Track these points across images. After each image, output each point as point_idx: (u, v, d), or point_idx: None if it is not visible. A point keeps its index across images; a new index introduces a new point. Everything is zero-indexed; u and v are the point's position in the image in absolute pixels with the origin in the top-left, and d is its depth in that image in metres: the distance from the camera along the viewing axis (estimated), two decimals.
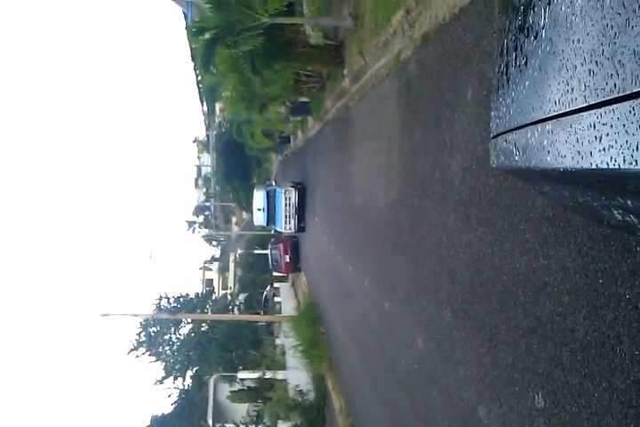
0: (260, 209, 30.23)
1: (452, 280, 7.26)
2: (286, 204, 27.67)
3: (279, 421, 23.92)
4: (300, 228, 28.18)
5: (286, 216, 27.88)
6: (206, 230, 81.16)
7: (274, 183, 30.87)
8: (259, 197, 30.47)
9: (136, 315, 29.65)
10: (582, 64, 1.43)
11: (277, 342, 30.81)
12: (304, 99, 25.55)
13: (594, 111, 1.39)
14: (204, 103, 65.00)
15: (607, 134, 1.33)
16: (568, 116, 1.51)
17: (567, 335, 4.58)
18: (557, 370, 4.69)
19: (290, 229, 28.31)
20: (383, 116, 12.22)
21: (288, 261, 32.15)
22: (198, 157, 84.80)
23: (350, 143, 16.12)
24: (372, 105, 13.89)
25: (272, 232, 39.72)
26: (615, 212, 1.53)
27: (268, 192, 29.85)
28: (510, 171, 2.13)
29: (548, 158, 1.61)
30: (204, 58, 16.89)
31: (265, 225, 31.65)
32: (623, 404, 3.91)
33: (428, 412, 8.47)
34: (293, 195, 27.61)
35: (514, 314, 5.49)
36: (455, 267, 7.19)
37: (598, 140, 1.37)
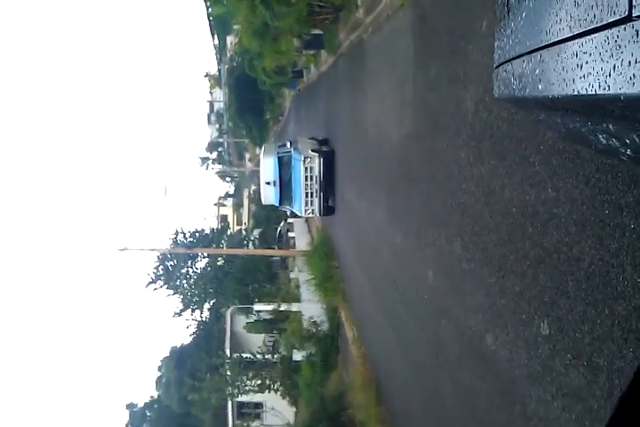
0: (269, 183, 22.74)
1: (463, 213, 7.36)
2: (307, 176, 20.65)
3: (294, 350, 24.67)
4: (328, 209, 21.29)
5: (307, 194, 20.89)
6: (220, 167, 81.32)
7: (288, 144, 22.29)
8: (268, 165, 22.92)
9: (153, 249, 30.22)
10: None
11: (292, 275, 31.33)
12: (317, 31, 24.98)
13: (577, 40, 1.46)
14: (215, 37, 63.92)
15: (586, 62, 1.42)
16: (556, 46, 1.57)
17: (573, 265, 4.70)
18: (562, 298, 4.83)
19: (313, 212, 21.37)
20: (397, 49, 12.04)
21: None
22: (210, 93, 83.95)
23: (364, 77, 15.93)
24: (386, 37, 13.65)
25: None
26: (600, 136, 1.60)
27: (280, 158, 22.42)
28: (510, 100, 2.19)
29: (540, 86, 1.68)
30: None
31: (277, 205, 24.23)
32: (624, 329, 4.06)
33: (438, 339, 8.75)
34: (317, 163, 20.56)
35: (522, 245, 5.61)
36: (466, 200, 7.28)
37: (579, 67, 1.45)
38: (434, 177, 8.78)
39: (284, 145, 22.83)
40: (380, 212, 13.03)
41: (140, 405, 55.64)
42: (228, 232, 41.40)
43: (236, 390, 26.65)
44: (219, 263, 35.94)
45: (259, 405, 30.68)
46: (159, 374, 51.46)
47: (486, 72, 6.69)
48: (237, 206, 68.52)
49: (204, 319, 39.63)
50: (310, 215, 22.18)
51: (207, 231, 37.26)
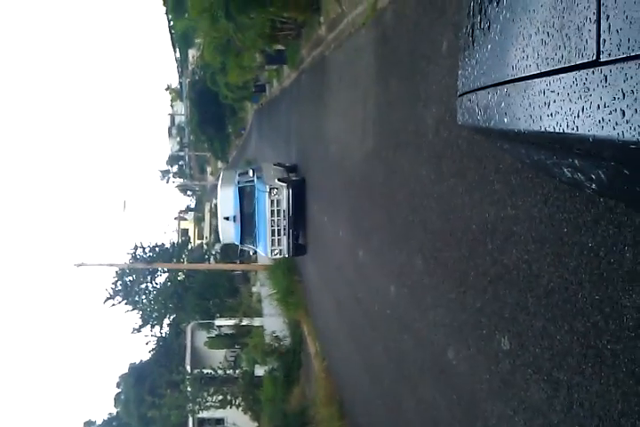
0: (228, 218, 19.96)
1: (424, 229, 7.47)
2: (274, 211, 18.06)
3: (256, 365, 24.53)
4: (299, 248, 18.81)
5: (274, 232, 18.25)
6: (181, 180, 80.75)
7: (251, 172, 19.56)
8: (226, 197, 20.23)
9: (111, 264, 29.78)
10: (536, 33, 1.55)
11: (254, 289, 31.23)
12: (280, 47, 25.17)
13: (544, 79, 1.52)
14: (177, 50, 63.67)
15: (554, 101, 1.47)
16: (523, 82, 1.64)
17: (532, 281, 4.80)
18: (522, 314, 4.94)
19: (280, 253, 18.70)
20: (359, 67, 12.19)
21: None
22: (171, 106, 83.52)
23: (326, 93, 16.07)
24: (348, 55, 13.81)
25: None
26: (565, 170, 1.67)
27: (241, 189, 19.62)
28: (474, 129, 2.26)
29: (505, 120, 1.75)
30: (174, 1, 16.52)
31: (238, 244, 21.08)
32: (582, 345, 4.16)
33: (400, 354, 8.82)
34: (285, 195, 17.97)
35: (482, 261, 5.72)
36: (427, 217, 7.39)
37: (547, 105, 1.51)
38: (395, 194, 8.89)
39: (246, 173, 20.19)
40: (341, 228, 13.11)
41: (99, 422, 54.50)
42: (189, 246, 41.10)
43: (197, 407, 26.40)
44: (179, 278, 35.65)
45: (220, 421, 30.40)
46: (118, 390, 50.51)
47: (446, 92, 6.84)
48: (199, 220, 68.07)
49: (163, 335, 39.18)
50: (277, 257, 19.10)
51: (167, 246, 36.97)
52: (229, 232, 20.66)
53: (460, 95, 2.33)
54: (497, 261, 5.40)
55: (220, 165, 64.93)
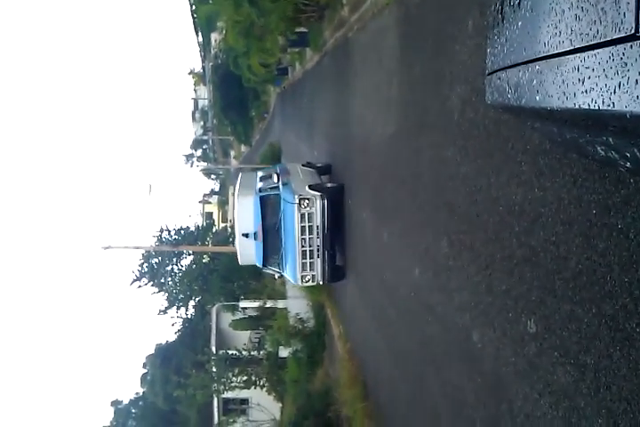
0: (247, 235, 16.43)
1: (450, 211, 7.41)
2: (304, 227, 14.87)
3: (280, 347, 24.70)
4: (336, 272, 15.67)
5: (305, 254, 15.10)
6: (205, 164, 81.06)
7: (275, 177, 16.31)
8: (245, 209, 16.50)
9: (137, 247, 30.08)
10: (569, 9, 1.50)
11: None
12: (302, 29, 25.00)
13: (578, 55, 1.47)
14: (200, 34, 63.64)
15: (589, 77, 1.42)
16: (555, 58, 1.58)
17: (560, 264, 4.75)
18: (549, 297, 4.89)
19: (313, 279, 15.63)
20: (383, 48, 12.07)
21: None
22: (195, 90, 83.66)
23: (349, 75, 15.95)
24: (371, 36, 13.68)
25: (270, 166, 39.51)
26: (599, 148, 1.63)
27: (263, 199, 16.12)
28: (504, 108, 2.22)
29: (537, 98, 1.70)
30: None
31: (260, 266, 17.58)
32: (610, 328, 4.11)
33: (424, 336, 8.81)
34: (319, 208, 14.76)
35: (508, 244, 5.66)
36: (452, 199, 7.33)
37: (581, 82, 1.46)
38: (420, 176, 8.82)
39: (269, 177, 16.86)
40: (365, 210, 13.07)
41: (126, 402, 55.47)
42: (214, 229, 41.34)
43: (222, 387, 26.65)
44: (204, 261, 35.89)
45: (244, 401, 30.71)
46: (144, 371, 51.31)
47: (472, 72, 6.74)
48: (222, 204, 68.30)
49: (189, 317, 39.60)
50: (309, 284, 16.10)
51: (192, 229, 37.20)
52: (249, 252, 16.96)
53: (489, 74, 2.28)
54: (524, 244, 5.34)
55: (243, 148, 65.01)
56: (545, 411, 4.91)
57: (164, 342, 47.11)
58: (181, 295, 36.23)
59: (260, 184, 17.13)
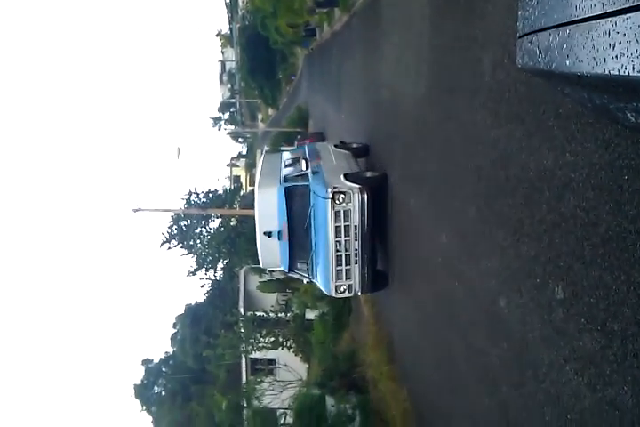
0: (269, 234, 14.07)
1: (479, 176, 7.33)
2: (339, 227, 12.60)
3: (307, 309, 24.97)
4: (377, 279, 13.54)
5: (339, 259, 12.88)
6: (232, 127, 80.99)
7: (303, 163, 13.69)
8: (268, 201, 13.97)
9: (167, 210, 30.45)
10: None
11: None
12: None
13: (610, 19, 1.42)
14: None
15: (620, 42, 1.38)
16: (586, 22, 1.54)
17: (589, 230, 4.69)
18: (578, 263, 4.84)
19: (350, 289, 13.35)
20: (413, 8, 11.81)
21: None
22: (222, 52, 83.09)
23: (378, 36, 15.68)
24: None
25: (297, 129, 39.41)
26: (629, 114, 1.58)
27: (289, 191, 13.73)
28: (534, 72, 2.17)
29: (567, 62, 1.65)
30: None
31: (286, 270, 15.17)
32: (639, 295, 4.08)
33: (450, 301, 8.83)
34: (357, 203, 12.47)
35: (538, 209, 5.60)
36: (481, 163, 7.24)
37: (612, 47, 1.42)
38: (449, 139, 8.71)
39: (296, 162, 14.58)
40: (392, 175, 12.99)
41: (156, 361, 56.80)
42: (241, 193, 41.55)
43: (250, 347, 27.12)
44: (232, 224, 36.19)
45: (272, 361, 31.22)
46: (174, 331, 52.42)
47: (505, 34, 6.57)
48: (250, 167, 68.40)
49: (217, 278, 40.15)
50: (345, 295, 13.81)
51: (220, 192, 37.44)
52: (272, 254, 14.51)
53: (520, 37, 2.21)
54: (553, 209, 5.28)
55: (270, 111, 64.72)
56: (570, 377, 4.92)
57: (193, 303, 48.00)
58: (210, 257, 36.70)
59: (285, 171, 14.66)
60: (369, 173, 13.79)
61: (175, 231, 36.06)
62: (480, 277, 7.36)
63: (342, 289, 13.29)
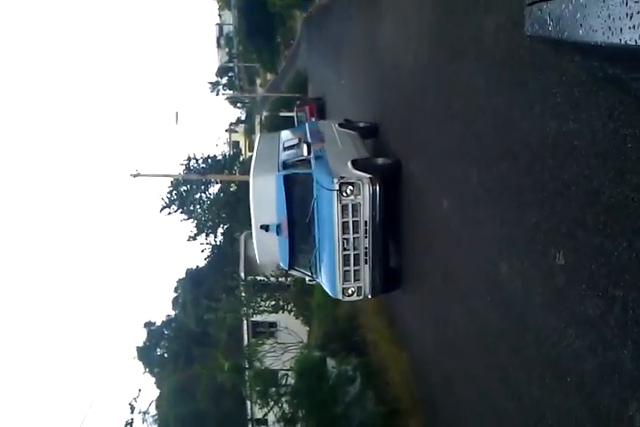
0: (266, 227, 12.86)
1: (481, 143, 7.33)
2: (346, 224, 11.30)
3: None
4: (389, 279, 12.35)
5: (347, 259, 11.61)
6: (230, 92, 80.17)
7: (305, 147, 12.38)
8: (264, 191, 12.64)
9: (166, 175, 30.37)
10: None
11: None
12: None
13: None
14: None
15: (638, 12, 1.36)
16: None
17: (592, 198, 4.72)
18: (580, 230, 4.89)
19: (358, 292, 12.08)
20: None
21: None
22: (219, 15, 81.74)
23: (379, 0, 15.45)
24: None
25: (297, 94, 39.04)
26: None
27: (288, 179, 12.38)
28: (543, 40, 2.16)
29: (580, 32, 1.64)
30: None
31: (286, 267, 13.93)
32: None
33: (449, 266, 8.90)
34: (367, 196, 11.13)
35: (540, 177, 5.62)
36: (484, 130, 7.23)
37: (629, 17, 1.40)
38: (450, 106, 8.67)
39: (296, 145, 13.26)
40: (393, 140, 12.95)
41: (158, 324, 57.35)
42: (241, 158, 41.41)
43: (251, 311, 27.41)
44: (231, 189, 36.19)
45: (273, 324, 31.56)
46: (175, 294, 52.82)
47: None
48: (249, 132, 67.97)
49: (218, 243, 40.30)
50: (354, 298, 12.34)
51: (219, 157, 37.33)
52: (270, 249, 13.27)
53: (529, 4, 2.20)
54: (556, 177, 5.30)
55: (269, 76, 64.04)
56: (571, 341, 5.02)
57: (194, 268, 48.28)
58: (210, 223, 36.83)
59: (284, 155, 13.24)
60: (380, 160, 12.18)
61: (175, 197, 36.09)
62: (481, 244, 7.42)
63: (350, 292, 12.09)
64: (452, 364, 9.53)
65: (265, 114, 51.77)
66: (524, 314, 6.12)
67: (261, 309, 26.97)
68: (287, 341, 25.93)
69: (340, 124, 14.80)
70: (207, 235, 37.90)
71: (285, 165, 12.80)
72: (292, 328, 27.04)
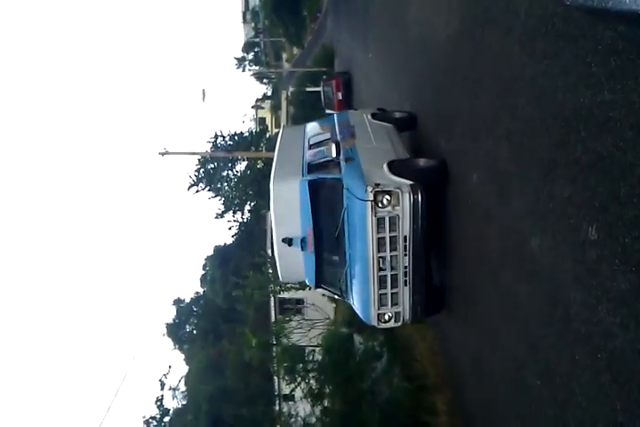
0: (289, 241, 11.22)
1: (512, 115, 7.18)
2: (383, 240, 9.73)
3: None
4: (432, 300, 10.81)
5: (384, 281, 10.10)
6: (256, 68, 79.89)
7: (333, 147, 10.69)
8: (285, 199, 11.03)
9: (193, 153, 30.48)
10: None
11: None
12: None
13: None
14: None
15: None
16: None
17: (626, 171, 4.61)
18: (613, 204, 4.78)
19: (396, 318, 10.64)
20: None
21: (341, 98, 31.65)
22: None
23: None
24: None
25: (323, 69, 38.71)
26: None
27: (315, 185, 10.78)
28: (584, 9, 2.06)
29: (628, 0, 1.56)
30: None
31: (312, 285, 12.26)
32: None
33: (480, 240, 8.77)
34: (407, 207, 9.51)
35: (573, 149, 5.49)
36: (516, 101, 7.07)
37: None
38: (481, 78, 8.50)
39: (323, 143, 11.75)
40: (423, 115, 12.78)
41: (187, 301, 58.24)
42: (267, 135, 41.39)
43: (278, 288, 27.55)
44: (258, 166, 36.21)
45: (300, 301, 31.78)
46: (203, 272, 53.43)
47: None
48: (275, 108, 67.76)
49: (245, 221, 40.53)
50: (390, 325, 10.74)
51: (246, 134, 37.33)
52: (294, 265, 11.66)
53: None
54: (589, 149, 5.17)
55: (295, 50, 63.59)
56: (602, 317, 4.94)
57: (222, 245, 48.72)
58: (237, 200, 36.97)
59: (309, 155, 11.67)
60: (422, 162, 10.51)
61: (202, 174, 36.23)
62: (512, 218, 7.31)
63: (387, 318, 10.56)
64: (480, 339, 9.49)
65: (291, 89, 51.48)
66: (555, 289, 6.03)
67: (288, 286, 27.13)
68: (314, 317, 26.09)
69: (374, 115, 13.22)
70: (234, 212, 38.12)
71: (311, 168, 11.19)
72: (318, 305, 27.18)
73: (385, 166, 10.12)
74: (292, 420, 21.30)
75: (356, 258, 10.24)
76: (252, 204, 38.29)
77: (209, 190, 36.49)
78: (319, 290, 12.50)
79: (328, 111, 35.58)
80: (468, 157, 9.28)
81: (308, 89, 42.21)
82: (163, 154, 25.98)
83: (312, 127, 13.70)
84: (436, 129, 11.47)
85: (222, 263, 43.68)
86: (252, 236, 40.04)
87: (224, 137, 36.08)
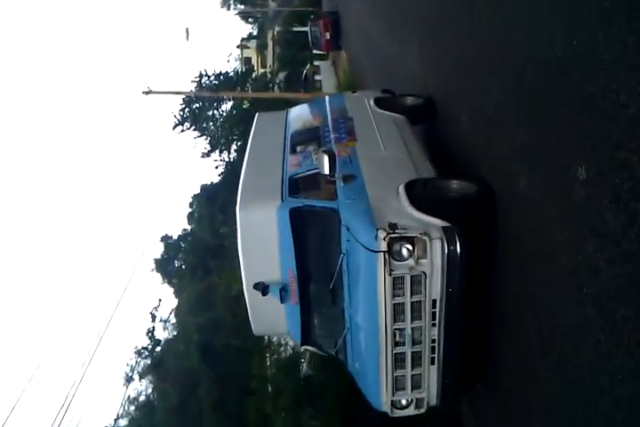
0: (263, 288, 7.72)
1: (501, 63, 7.18)
2: (402, 306, 6.51)
3: None
4: (466, 376, 7.53)
5: (403, 359, 6.93)
6: (242, 7, 77.83)
7: (326, 157, 7.27)
8: (257, 232, 7.52)
9: (178, 92, 30.05)
10: None
11: None
12: None
13: None
14: None
15: None
16: None
17: (618, 111, 4.68)
18: (604, 144, 4.87)
19: (418, 405, 7.41)
20: None
21: (328, 38, 31.20)
22: None
23: None
24: None
25: (310, 8, 37.84)
26: None
27: (298, 214, 7.39)
28: None
29: None
30: None
31: (298, 342, 8.71)
32: None
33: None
34: (439, 259, 6.23)
35: (564, 91, 5.56)
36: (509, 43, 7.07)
37: None
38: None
39: (310, 142, 8.94)
40: (411, 56, 12.66)
41: (175, 238, 58.29)
42: (253, 75, 40.75)
43: None
44: (244, 106, 35.80)
45: None
46: (190, 210, 53.55)
47: None
48: (261, 48, 66.40)
49: (231, 160, 40.35)
50: (408, 412, 7.67)
51: (232, 74, 36.73)
52: (270, 317, 8.45)
53: None
54: (580, 91, 5.24)
55: None
56: (589, 253, 5.10)
57: (208, 184, 48.62)
58: (223, 140, 36.70)
59: (291, 164, 8.50)
60: (455, 184, 7.19)
61: (187, 114, 35.80)
62: (502, 157, 7.36)
63: (403, 404, 7.63)
64: None
65: (277, 29, 50.44)
66: (542, 227, 6.16)
67: None
68: None
69: (378, 101, 9.86)
70: (221, 152, 37.86)
71: (293, 186, 7.97)
72: None
73: (402, 191, 7.03)
74: (282, 349, 21.75)
75: (360, 325, 7.27)
76: (239, 143, 38.06)
77: (194, 130, 36.13)
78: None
79: (315, 51, 35.06)
80: (457, 101, 9.24)
81: (295, 29, 41.38)
82: (147, 93, 25.61)
83: (296, 116, 10.45)
84: (421, 79, 11.38)
85: (209, 201, 43.75)
86: (239, 175, 39.97)
87: (209, 76, 35.44)
